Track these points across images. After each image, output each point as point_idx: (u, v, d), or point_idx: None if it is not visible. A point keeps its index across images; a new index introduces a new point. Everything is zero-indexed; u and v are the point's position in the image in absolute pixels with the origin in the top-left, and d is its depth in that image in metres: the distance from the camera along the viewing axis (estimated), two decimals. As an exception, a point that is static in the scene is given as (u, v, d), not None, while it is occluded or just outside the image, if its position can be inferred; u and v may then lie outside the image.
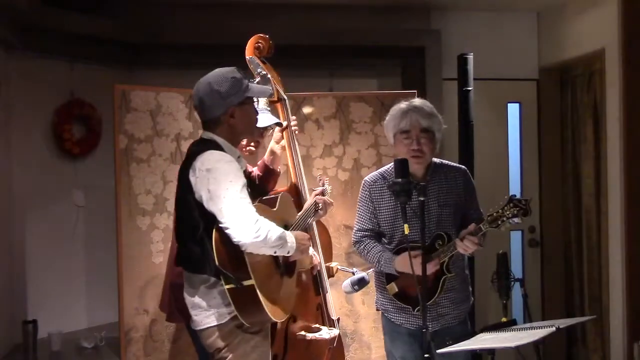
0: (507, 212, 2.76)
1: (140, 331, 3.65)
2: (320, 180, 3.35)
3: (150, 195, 3.70)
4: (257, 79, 3.16)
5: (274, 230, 2.55)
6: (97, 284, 4.65)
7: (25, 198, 4.45)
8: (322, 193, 3.27)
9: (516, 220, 2.76)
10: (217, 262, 2.52)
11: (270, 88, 2.96)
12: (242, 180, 2.57)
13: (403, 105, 3.05)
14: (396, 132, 3.03)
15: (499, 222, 2.77)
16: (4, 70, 4.27)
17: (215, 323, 2.64)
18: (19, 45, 4.29)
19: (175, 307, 3.15)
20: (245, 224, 2.47)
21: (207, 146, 2.65)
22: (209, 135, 2.71)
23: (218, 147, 2.65)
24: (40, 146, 4.55)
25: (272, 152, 3.35)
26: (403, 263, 2.92)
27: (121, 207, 3.60)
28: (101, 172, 4.45)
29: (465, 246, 2.85)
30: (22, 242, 4.45)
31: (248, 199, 2.55)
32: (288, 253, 2.66)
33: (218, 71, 2.70)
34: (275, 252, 2.61)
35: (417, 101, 3.08)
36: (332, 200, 3.32)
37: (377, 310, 3.26)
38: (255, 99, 2.88)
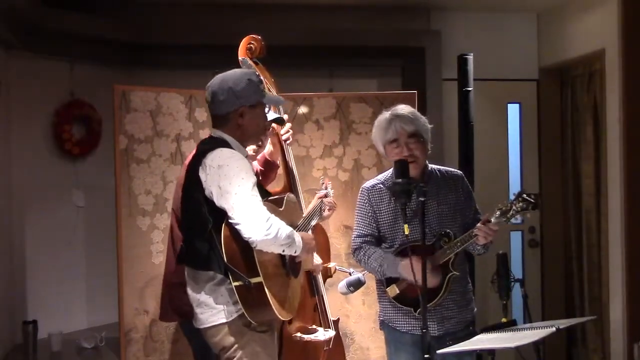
0: (517, 207, 2.81)
1: (140, 331, 3.65)
2: (323, 183, 3.36)
3: (150, 196, 3.70)
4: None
5: (283, 228, 2.56)
6: (97, 284, 4.65)
7: (25, 198, 4.45)
8: (326, 195, 3.28)
9: (525, 214, 2.82)
10: (225, 259, 2.53)
11: (282, 98, 3.00)
12: (253, 178, 2.60)
13: (386, 115, 3.06)
14: (385, 143, 3.05)
15: (508, 216, 2.82)
16: (4, 70, 4.27)
17: (222, 321, 2.63)
18: (19, 45, 4.29)
19: (170, 307, 3.14)
20: (257, 221, 2.49)
21: (217, 144, 2.67)
22: (218, 133, 2.74)
23: (227, 145, 2.67)
24: (40, 146, 4.55)
25: (271, 146, 3.38)
26: (408, 267, 2.90)
27: (121, 207, 3.60)
28: (101, 173, 4.45)
29: (486, 232, 2.85)
30: (22, 242, 4.45)
31: (259, 197, 2.57)
32: (295, 252, 2.67)
33: (236, 70, 2.79)
34: (283, 251, 2.62)
35: (399, 108, 3.08)
36: (336, 204, 3.35)
37: (381, 327, 3.21)
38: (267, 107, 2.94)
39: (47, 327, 4.22)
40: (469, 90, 4.44)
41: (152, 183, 3.70)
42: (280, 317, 2.63)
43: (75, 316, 4.63)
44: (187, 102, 3.78)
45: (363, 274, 3.20)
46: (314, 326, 3.36)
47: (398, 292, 3.03)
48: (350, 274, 3.26)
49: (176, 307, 3.01)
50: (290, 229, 2.62)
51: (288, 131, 3.42)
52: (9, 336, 4.25)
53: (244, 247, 2.53)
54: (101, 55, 4.69)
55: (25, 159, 4.45)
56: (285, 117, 3.46)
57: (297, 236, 2.67)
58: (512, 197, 2.85)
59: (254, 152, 3.39)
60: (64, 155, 4.62)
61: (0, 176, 4.23)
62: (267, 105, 2.99)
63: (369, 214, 3.11)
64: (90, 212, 4.72)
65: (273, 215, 2.55)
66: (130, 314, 3.62)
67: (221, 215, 2.55)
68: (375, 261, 3.03)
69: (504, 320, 2.70)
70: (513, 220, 2.90)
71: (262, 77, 3.22)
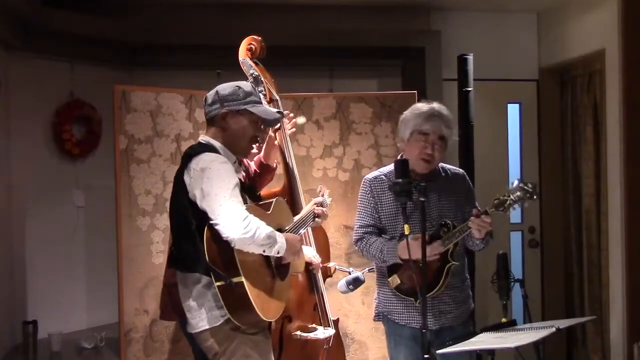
0: (514, 196, 2.81)
1: (140, 331, 3.65)
2: (320, 191, 3.35)
3: (150, 196, 3.70)
4: (250, 80, 3.22)
5: (263, 228, 2.58)
6: (97, 284, 4.65)
7: (26, 198, 4.45)
8: (322, 204, 3.27)
9: (523, 203, 2.82)
10: (207, 259, 2.56)
11: (276, 110, 2.96)
12: (235, 181, 2.63)
13: (427, 107, 3.06)
14: (414, 131, 3.04)
15: (505, 206, 2.82)
16: (4, 70, 4.27)
17: (210, 326, 2.65)
18: (19, 46, 4.30)
19: (170, 305, 3.15)
20: (234, 220, 2.52)
21: (203, 149, 2.72)
22: (206, 139, 2.78)
23: (214, 150, 2.71)
24: (40, 147, 4.55)
25: (267, 148, 3.36)
26: (405, 246, 2.90)
27: (121, 207, 3.61)
28: (101, 173, 4.45)
29: (479, 225, 2.85)
30: (22, 242, 4.45)
31: (239, 198, 2.61)
32: (278, 253, 2.68)
33: (232, 82, 2.85)
34: (264, 251, 2.63)
35: (441, 107, 3.09)
36: (328, 214, 3.32)
37: (377, 318, 3.22)
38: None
39: (47, 327, 4.22)
40: (469, 90, 4.44)
41: (152, 183, 3.70)
42: (263, 317, 2.62)
43: (75, 316, 4.63)
44: (187, 102, 3.79)
45: (362, 273, 3.20)
46: (313, 325, 3.37)
47: (399, 282, 3.04)
48: (349, 273, 3.26)
49: (175, 306, 3.01)
50: (271, 229, 2.63)
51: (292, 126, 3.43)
52: (9, 336, 4.25)
53: (224, 247, 2.56)
54: (101, 55, 4.69)
55: (25, 159, 4.44)
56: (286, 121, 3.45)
57: (280, 237, 2.67)
58: (510, 185, 2.85)
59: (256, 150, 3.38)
60: (64, 155, 4.61)
61: (0, 176, 4.23)
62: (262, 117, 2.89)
63: (371, 205, 3.13)
64: (90, 212, 4.72)
65: (252, 216, 2.57)
66: (130, 314, 3.62)
67: (204, 217, 2.59)
68: (376, 249, 3.06)
69: (504, 320, 2.70)
70: (513, 220, 2.90)
71: (263, 80, 3.22)
